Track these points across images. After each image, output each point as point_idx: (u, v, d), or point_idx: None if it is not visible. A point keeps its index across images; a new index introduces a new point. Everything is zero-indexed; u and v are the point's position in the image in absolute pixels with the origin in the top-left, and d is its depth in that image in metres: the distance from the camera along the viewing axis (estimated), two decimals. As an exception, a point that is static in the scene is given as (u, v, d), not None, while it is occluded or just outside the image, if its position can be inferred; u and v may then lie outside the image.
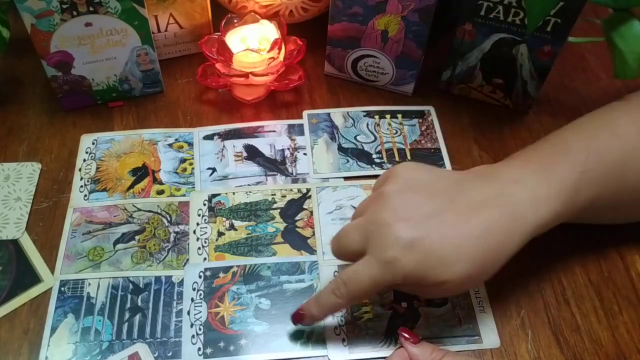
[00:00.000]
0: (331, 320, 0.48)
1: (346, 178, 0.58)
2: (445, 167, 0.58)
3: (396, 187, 0.44)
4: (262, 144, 0.60)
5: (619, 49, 0.54)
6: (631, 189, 0.47)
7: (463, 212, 0.42)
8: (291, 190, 0.56)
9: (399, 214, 0.42)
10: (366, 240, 0.42)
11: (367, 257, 0.42)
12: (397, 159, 0.59)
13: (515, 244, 0.43)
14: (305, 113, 0.63)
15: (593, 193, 0.45)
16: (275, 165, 0.58)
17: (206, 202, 0.55)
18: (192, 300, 0.49)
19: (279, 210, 0.55)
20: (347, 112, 0.63)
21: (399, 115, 0.63)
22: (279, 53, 0.60)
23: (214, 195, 0.56)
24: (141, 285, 0.50)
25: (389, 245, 0.41)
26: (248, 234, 0.53)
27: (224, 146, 0.59)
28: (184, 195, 0.56)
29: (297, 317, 0.46)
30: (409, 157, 0.59)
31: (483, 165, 0.47)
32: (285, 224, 0.54)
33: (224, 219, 0.54)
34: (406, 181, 0.44)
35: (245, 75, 0.59)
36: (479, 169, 0.46)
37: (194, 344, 0.47)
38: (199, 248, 0.52)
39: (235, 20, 0.62)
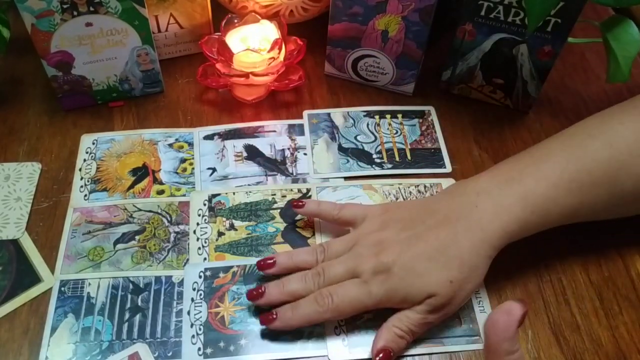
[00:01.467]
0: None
1: (346, 178, 0.58)
2: (445, 167, 0.58)
3: (373, 227, 0.48)
4: (262, 144, 0.60)
5: (613, 52, 0.54)
6: (628, 193, 0.47)
7: (432, 230, 0.46)
8: (291, 190, 0.56)
9: (380, 244, 0.46)
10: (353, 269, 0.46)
11: (356, 279, 0.46)
12: (397, 158, 0.59)
13: (487, 249, 0.45)
14: (305, 113, 0.63)
15: (576, 201, 0.46)
16: (275, 165, 0.58)
17: (206, 202, 0.55)
18: (192, 300, 0.49)
19: (279, 210, 0.55)
20: (347, 112, 0.63)
21: (399, 115, 0.63)
22: (279, 53, 0.60)
23: (214, 195, 0.56)
24: (141, 285, 0.50)
25: (373, 271, 0.45)
26: (248, 234, 0.53)
27: (224, 146, 0.59)
28: (184, 195, 0.56)
29: (266, 320, 0.46)
30: (409, 157, 0.59)
31: (455, 182, 0.50)
32: (285, 224, 0.54)
33: (224, 219, 0.54)
34: (381, 220, 0.48)
35: (246, 75, 0.59)
36: (449, 187, 0.50)
37: (194, 344, 0.47)
38: (199, 248, 0.52)
39: (236, 20, 0.62)
